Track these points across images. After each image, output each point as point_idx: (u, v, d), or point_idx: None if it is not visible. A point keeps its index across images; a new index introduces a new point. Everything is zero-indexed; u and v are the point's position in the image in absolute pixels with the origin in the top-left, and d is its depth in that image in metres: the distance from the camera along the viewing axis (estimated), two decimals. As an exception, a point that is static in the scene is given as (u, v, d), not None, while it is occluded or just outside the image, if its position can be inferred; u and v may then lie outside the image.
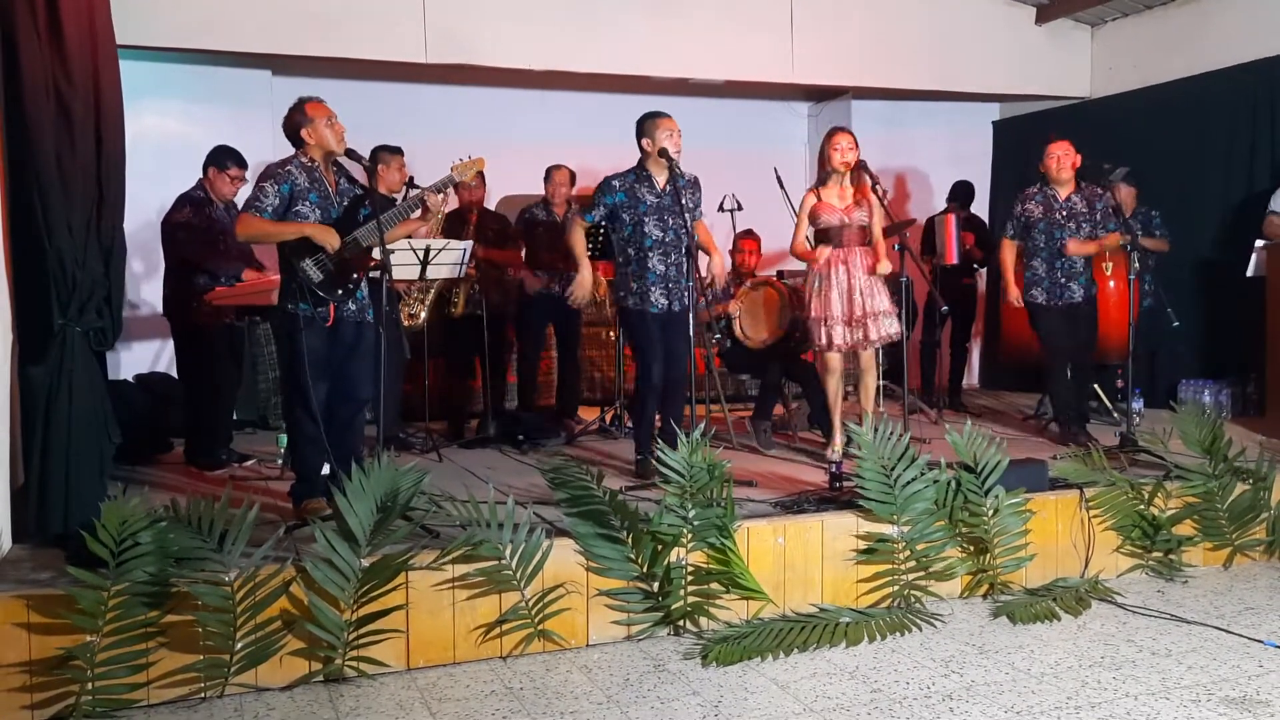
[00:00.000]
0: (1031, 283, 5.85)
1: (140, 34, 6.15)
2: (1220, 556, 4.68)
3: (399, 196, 5.58)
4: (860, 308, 5.19)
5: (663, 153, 4.83)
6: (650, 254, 4.93)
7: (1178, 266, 7.03)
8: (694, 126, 7.69)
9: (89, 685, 3.15)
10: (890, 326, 5.23)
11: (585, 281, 5.06)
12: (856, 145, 5.25)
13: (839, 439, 5.35)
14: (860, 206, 5.24)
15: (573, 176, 6.57)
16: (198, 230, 5.38)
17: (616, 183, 4.98)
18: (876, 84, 8.18)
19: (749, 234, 6.68)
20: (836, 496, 4.40)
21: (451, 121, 8.03)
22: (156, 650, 3.27)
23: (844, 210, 5.22)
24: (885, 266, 5.24)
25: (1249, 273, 6.42)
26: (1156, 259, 6.72)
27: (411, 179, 5.70)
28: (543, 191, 6.59)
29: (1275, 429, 5.90)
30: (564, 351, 6.67)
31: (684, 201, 4.85)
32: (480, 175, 6.02)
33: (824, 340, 5.25)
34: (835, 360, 5.31)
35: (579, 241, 5.08)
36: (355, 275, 4.22)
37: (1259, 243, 6.38)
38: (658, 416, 5.06)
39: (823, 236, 5.26)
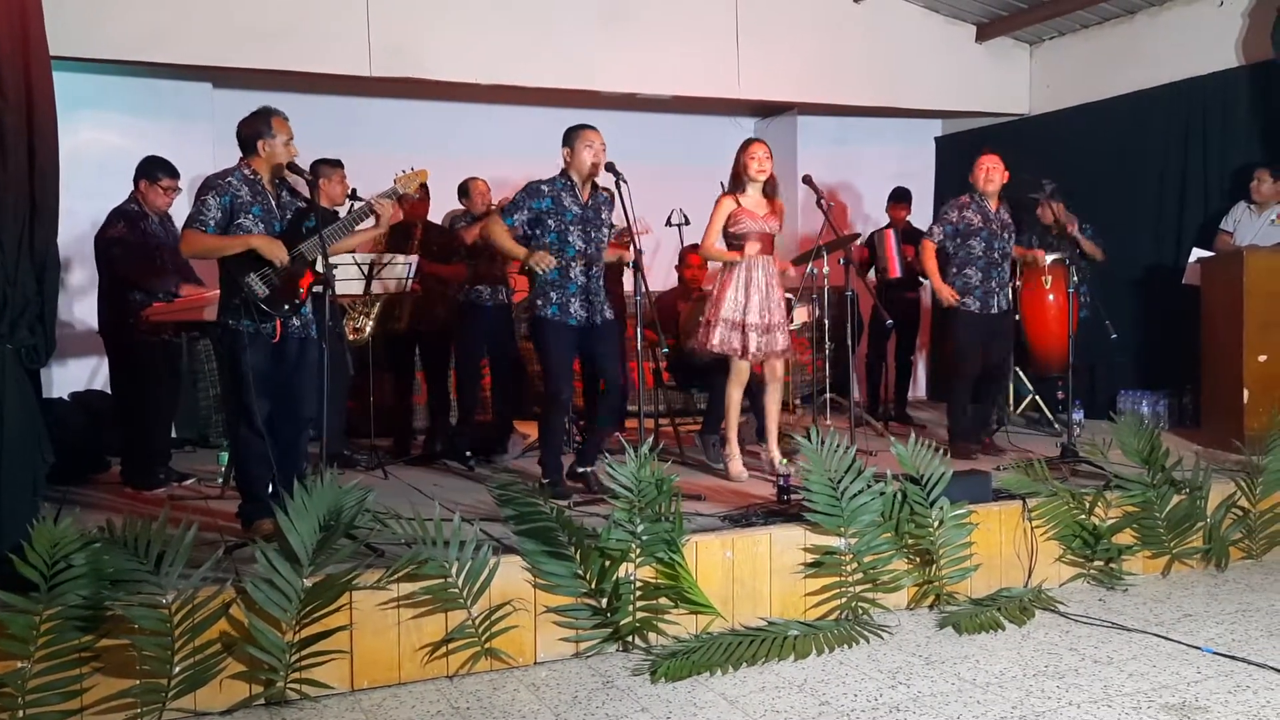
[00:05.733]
0: (964, 290, 5.90)
1: (78, 46, 6.04)
2: (1159, 564, 4.76)
3: (342, 210, 5.52)
4: (770, 316, 5.19)
5: (609, 166, 4.84)
6: (573, 264, 4.91)
7: (1116, 279, 7.18)
8: (641, 141, 7.77)
9: (20, 713, 3.05)
10: (786, 339, 5.26)
11: (538, 254, 4.81)
12: (771, 156, 5.26)
13: (738, 459, 5.35)
14: (775, 216, 5.28)
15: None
16: (132, 245, 5.27)
17: (545, 188, 4.93)
18: (821, 100, 8.28)
19: (697, 248, 6.69)
20: (784, 510, 4.41)
21: (396, 135, 7.96)
22: (91, 676, 3.18)
23: (764, 219, 5.24)
24: (790, 272, 5.27)
25: (1184, 280, 6.58)
26: (1093, 271, 6.86)
27: (354, 191, 5.63)
28: (467, 206, 6.53)
29: (1210, 439, 6.03)
30: (495, 367, 6.59)
31: (603, 217, 4.95)
32: (424, 188, 5.97)
33: (733, 345, 5.17)
34: (747, 369, 5.28)
35: (505, 236, 4.88)
36: (301, 290, 4.16)
37: (1194, 253, 6.54)
38: (578, 432, 5.02)
39: (740, 242, 5.23)
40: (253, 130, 4.13)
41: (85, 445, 5.68)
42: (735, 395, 5.32)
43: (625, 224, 4.98)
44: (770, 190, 5.29)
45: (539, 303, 4.94)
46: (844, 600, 4.13)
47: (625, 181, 4.87)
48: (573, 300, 4.91)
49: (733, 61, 7.73)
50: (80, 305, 6.87)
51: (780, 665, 3.68)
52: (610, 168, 4.84)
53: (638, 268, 4.89)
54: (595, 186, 5.00)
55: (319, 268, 4.06)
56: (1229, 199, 6.88)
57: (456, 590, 3.57)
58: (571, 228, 4.92)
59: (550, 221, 4.91)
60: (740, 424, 6.53)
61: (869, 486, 4.19)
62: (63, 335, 4.77)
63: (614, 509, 3.85)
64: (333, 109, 7.77)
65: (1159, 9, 7.49)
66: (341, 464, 5.54)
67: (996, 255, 5.88)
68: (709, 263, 5.64)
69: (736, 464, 5.34)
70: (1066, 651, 3.77)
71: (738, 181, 5.27)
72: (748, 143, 5.31)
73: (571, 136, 4.94)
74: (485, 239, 5.09)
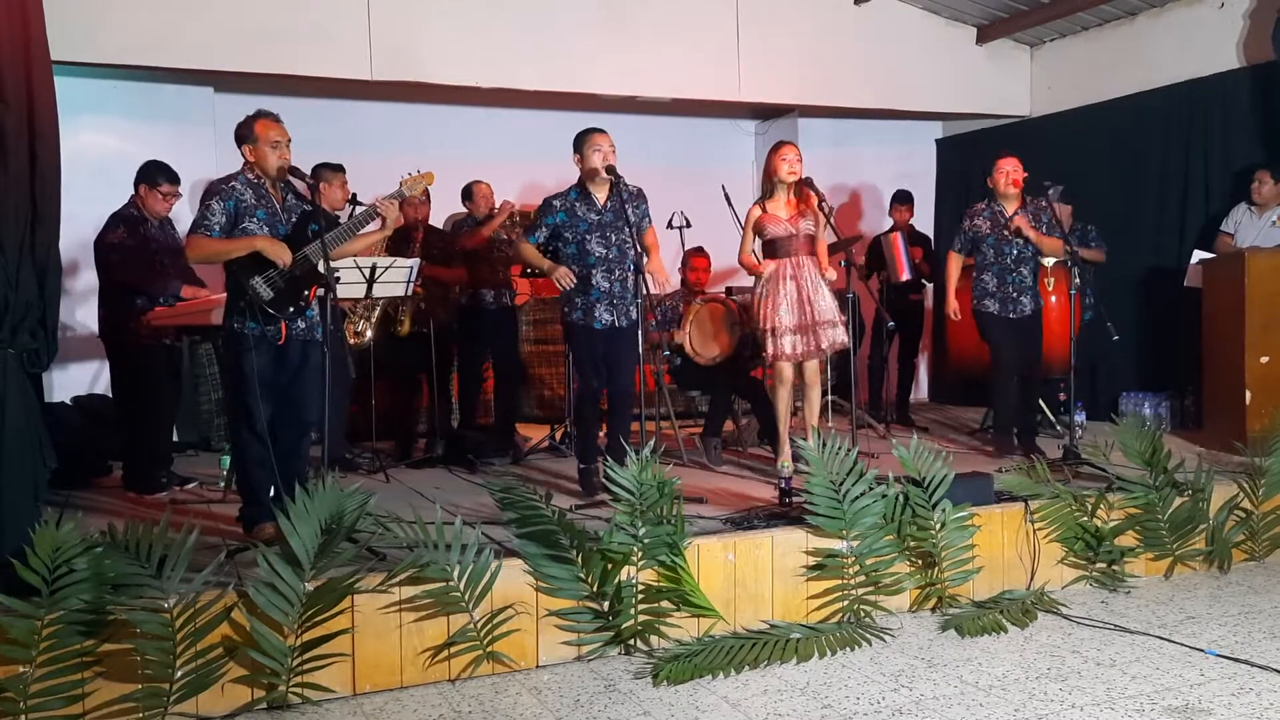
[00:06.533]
0: (983, 294, 5.92)
1: (79, 50, 6.05)
2: (1161, 567, 4.75)
3: (342, 214, 5.52)
4: (810, 316, 5.21)
5: (610, 169, 4.84)
6: (594, 271, 4.93)
7: (1117, 281, 7.18)
8: (642, 144, 7.78)
9: (22, 718, 3.05)
10: (838, 335, 5.26)
11: (560, 271, 4.93)
12: (801, 159, 5.29)
13: (787, 452, 5.36)
14: (805, 216, 5.27)
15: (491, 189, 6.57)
16: (132, 250, 5.27)
17: (557, 203, 4.98)
18: (821, 103, 8.29)
19: (699, 251, 6.70)
20: (786, 512, 4.41)
21: (397, 139, 7.98)
22: (93, 680, 3.18)
23: (789, 220, 5.25)
24: (831, 274, 5.30)
25: (1186, 282, 6.58)
26: (1095, 273, 6.85)
27: (354, 196, 5.64)
28: (470, 209, 6.53)
29: (1212, 441, 6.02)
30: (498, 369, 6.59)
31: (628, 215, 4.86)
32: (426, 192, 5.99)
33: (774, 350, 5.24)
34: (788, 370, 5.31)
35: (533, 254, 5.09)
36: (306, 293, 4.16)
37: (1195, 254, 6.54)
38: (603, 433, 5.05)
39: (770, 248, 5.28)
40: (238, 136, 4.16)
41: (87, 449, 5.68)
42: (781, 394, 5.38)
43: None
44: (799, 190, 5.29)
45: (566, 309, 5.04)
46: (846, 603, 4.12)
47: (621, 180, 4.88)
48: (597, 305, 4.95)
49: (733, 64, 7.74)
50: (82, 309, 6.88)
51: (782, 668, 3.68)
52: (610, 171, 4.84)
53: (638, 270, 4.89)
54: (615, 186, 4.94)
55: (321, 271, 4.06)
56: (1230, 201, 6.87)
57: (458, 594, 3.56)
58: (589, 236, 4.94)
59: (566, 234, 4.97)
60: (742, 426, 6.55)
61: (871, 489, 4.18)
62: (64, 339, 4.79)
63: (616, 512, 3.85)
64: (333, 112, 7.78)
65: (1160, 11, 7.50)
66: (343, 467, 5.55)
67: (1009, 260, 5.86)
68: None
69: (784, 457, 5.37)
70: (1069, 654, 3.76)
71: (768, 184, 5.34)
72: (779, 145, 5.34)
73: (581, 142, 4.96)
74: (517, 258, 5.29)
